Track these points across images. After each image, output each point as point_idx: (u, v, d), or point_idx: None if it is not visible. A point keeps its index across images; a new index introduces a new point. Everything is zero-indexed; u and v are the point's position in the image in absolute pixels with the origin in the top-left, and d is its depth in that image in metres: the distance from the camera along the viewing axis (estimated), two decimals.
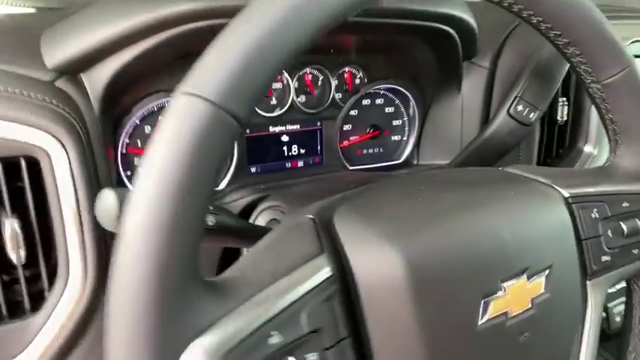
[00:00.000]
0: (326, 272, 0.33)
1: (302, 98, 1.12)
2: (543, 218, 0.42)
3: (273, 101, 1.08)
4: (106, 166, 0.71)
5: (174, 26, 0.67)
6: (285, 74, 1.06)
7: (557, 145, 1.17)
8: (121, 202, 0.43)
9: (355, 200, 0.41)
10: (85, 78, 0.68)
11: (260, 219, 0.88)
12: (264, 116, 1.06)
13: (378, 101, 1.21)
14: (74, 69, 0.67)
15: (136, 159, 0.92)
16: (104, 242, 0.57)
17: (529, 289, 0.38)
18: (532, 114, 0.97)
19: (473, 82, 1.09)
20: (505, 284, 0.37)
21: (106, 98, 0.71)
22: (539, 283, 0.39)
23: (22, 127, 0.54)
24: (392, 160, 1.25)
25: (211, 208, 0.60)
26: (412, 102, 1.21)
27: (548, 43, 0.47)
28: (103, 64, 0.68)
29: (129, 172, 0.91)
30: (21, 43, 0.68)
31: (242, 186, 1.04)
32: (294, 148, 1.14)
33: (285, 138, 1.11)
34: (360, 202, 0.40)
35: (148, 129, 0.92)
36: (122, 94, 0.79)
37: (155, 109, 0.90)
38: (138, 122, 0.89)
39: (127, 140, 0.88)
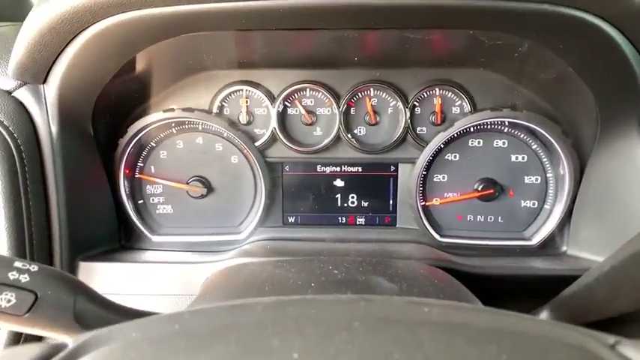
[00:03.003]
0: None
1: (360, 130, 0.79)
2: None
3: (317, 131, 0.79)
4: (65, 182, 0.65)
5: (94, 18, 0.56)
6: (328, 95, 0.76)
7: None
8: None
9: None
10: (47, 88, 0.63)
11: None
12: (307, 150, 0.77)
13: (498, 143, 0.77)
14: (32, 77, 0.62)
15: (141, 183, 0.79)
16: None
17: None
18: None
19: None
20: None
21: (63, 107, 0.64)
22: None
23: None
24: (517, 239, 0.77)
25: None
26: (559, 149, 0.73)
27: None
28: (54, 69, 0.61)
29: (138, 199, 0.79)
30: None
31: (257, 241, 0.78)
32: (352, 197, 0.81)
33: (339, 182, 0.80)
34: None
35: (147, 150, 0.78)
36: (86, 104, 0.68)
37: (151, 127, 0.75)
38: (135, 142, 0.76)
39: (125, 162, 0.76)
